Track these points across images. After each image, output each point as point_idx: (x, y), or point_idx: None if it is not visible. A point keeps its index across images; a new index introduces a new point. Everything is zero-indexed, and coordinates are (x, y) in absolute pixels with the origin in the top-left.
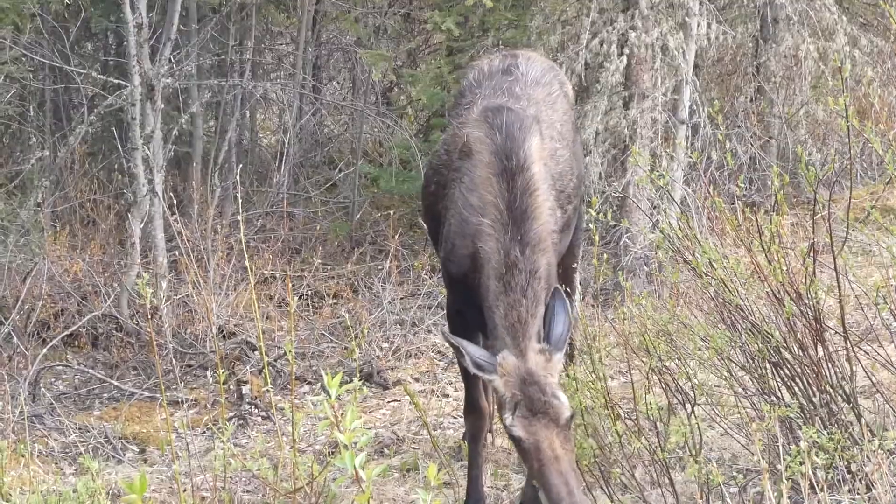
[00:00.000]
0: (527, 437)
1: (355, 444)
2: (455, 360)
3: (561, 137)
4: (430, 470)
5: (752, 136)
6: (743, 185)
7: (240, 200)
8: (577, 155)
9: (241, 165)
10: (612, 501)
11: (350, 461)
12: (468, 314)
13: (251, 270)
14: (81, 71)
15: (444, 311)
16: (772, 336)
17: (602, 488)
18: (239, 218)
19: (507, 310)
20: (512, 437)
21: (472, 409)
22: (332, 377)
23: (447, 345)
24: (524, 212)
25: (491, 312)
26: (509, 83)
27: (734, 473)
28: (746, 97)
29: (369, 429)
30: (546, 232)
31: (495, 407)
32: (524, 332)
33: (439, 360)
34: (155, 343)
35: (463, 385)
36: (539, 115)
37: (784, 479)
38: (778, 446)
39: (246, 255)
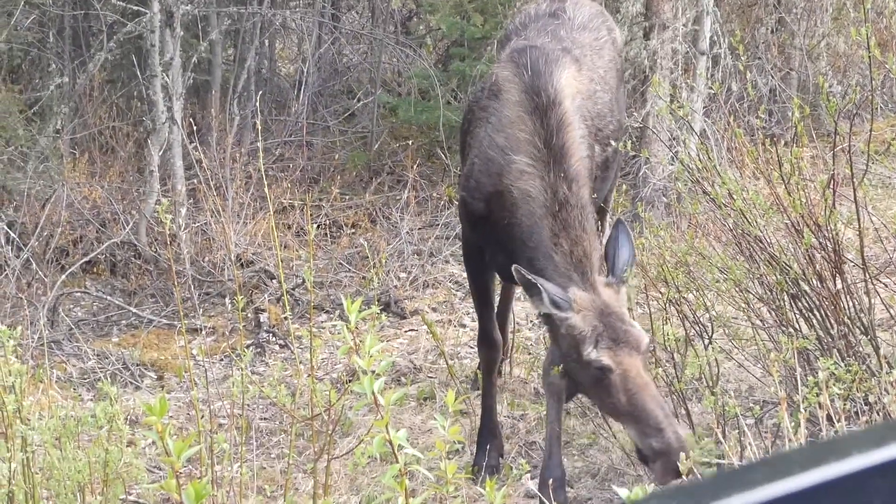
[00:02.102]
0: (615, 367)
1: (374, 371)
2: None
3: (603, 82)
4: (448, 396)
5: (772, 68)
6: (763, 117)
7: (259, 129)
8: (620, 102)
9: (260, 93)
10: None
11: (369, 386)
12: (487, 251)
13: (270, 199)
14: None
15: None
16: (790, 268)
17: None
18: (258, 146)
19: (572, 246)
20: (595, 371)
21: (486, 341)
22: (352, 303)
23: (526, 281)
24: (562, 147)
25: (548, 251)
26: (555, 26)
27: (751, 405)
28: (767, 28)
29: (387, 355)
30: (583, 166)
31: (568, 344)
32: (591, 266)
33: (456, 291)
34: (173, 270)
35: (477, 315)
36: (578, 54)
37: (801, 410)
38: (795, 378)
39: (265, 184)
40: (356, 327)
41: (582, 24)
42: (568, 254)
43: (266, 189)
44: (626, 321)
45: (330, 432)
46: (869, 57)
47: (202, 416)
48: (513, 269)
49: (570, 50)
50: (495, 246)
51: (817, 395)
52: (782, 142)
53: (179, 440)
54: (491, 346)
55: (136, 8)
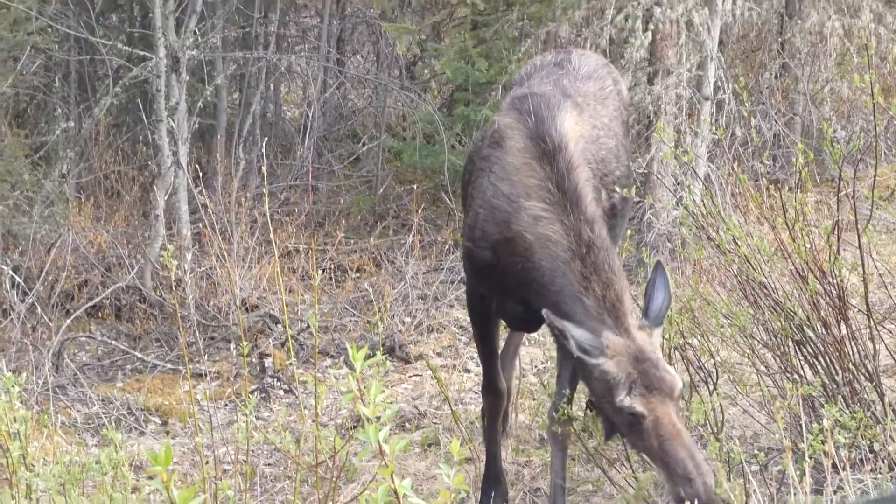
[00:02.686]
0: (648, 414)
1: (379, 418)
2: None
3: (607, 129)
4: (453, 444)
5: (776, 113)
6: (767, 163)
7: (265, 173)
8: (627, 150)
9: (266, 139)
10: (635, 477)
11: (374, 435)
12: (494, 300)
13: (275, 244)
14: (107, 42)
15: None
16: (795, 314)
17: (623, 465)
18: (263, 191)
19: (604, 289)
20: (628, 417)
21: (491, 389)
22: (357, 350)
23: (554, 327)
24: (575, 190)
25: (576, 295)
26: (559, 75)
27: (755, 451)
28: (771, 74)
29: (391, 403)
30: (596, 206)
31: (602, 388)
32: (624, 310)
33: (461, 335)
34: (178, 315)
35: (481, 364)
36: (580, 101)
37: (807, 458)
38: (800, 425)
39: (270, 228)
40: (361, 374)
41: (587, 74)
42: (600, 298)
43: (272, 233)
44: (660, 367)
45: (334, 479)
46: (873, 103)
47: (207, 462)
48: (543, 312)
49: (572, 96)
50: (504, 294)
51: (822, 442)
52: (786, 187)
53: (184, 488)
54: (496, 395)
55: (141, 53)
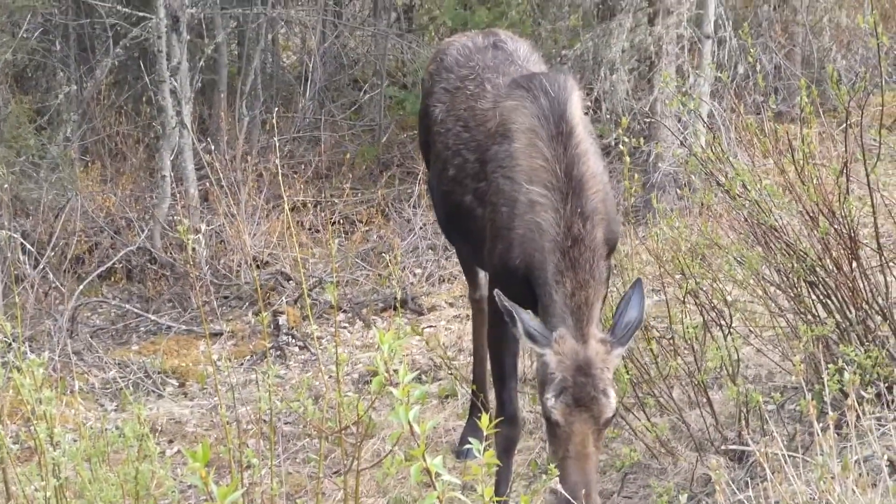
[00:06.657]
0: (563, 426)
1: (409, 397)
2: None
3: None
4: (482, 420)
5: (776, 45)
6: (773, 106)
7: (275, 125)
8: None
9: (268, 92)
10: (650, 424)
11: (404, 416)
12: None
13: (286, 201)
14: (105, 4)
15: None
16: (807, 255)
17: (640, 411)
18: (269, 144)
19: (575, 289)
20: (546, 417)
21: (509, 418)
22: (383, 334)
23: (504, 307)
24: (580, 180)
25: (550, 289)
26: (504, 58)
27: (770, 391)
28: (770, 6)
29: (406, 356)
30: (599, 200)
31: (540, 374)
32: (589, 317)
33: None
34: (193, 276)
35: (497, 387)
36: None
37: (825, 396)
38: (815, 364)
39: (281, 183)
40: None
41: (526, 57)
42: (569, 295)
43: (282, 187)
44: (598, 387)
45: (359, 443)
46: (878, 44)
47: (228, 423)
48: (494, 293)
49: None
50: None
51: (839, 382)
52: (789, 118)
53: (222, 487)
54: (514, 424)
55: (140, 14)
